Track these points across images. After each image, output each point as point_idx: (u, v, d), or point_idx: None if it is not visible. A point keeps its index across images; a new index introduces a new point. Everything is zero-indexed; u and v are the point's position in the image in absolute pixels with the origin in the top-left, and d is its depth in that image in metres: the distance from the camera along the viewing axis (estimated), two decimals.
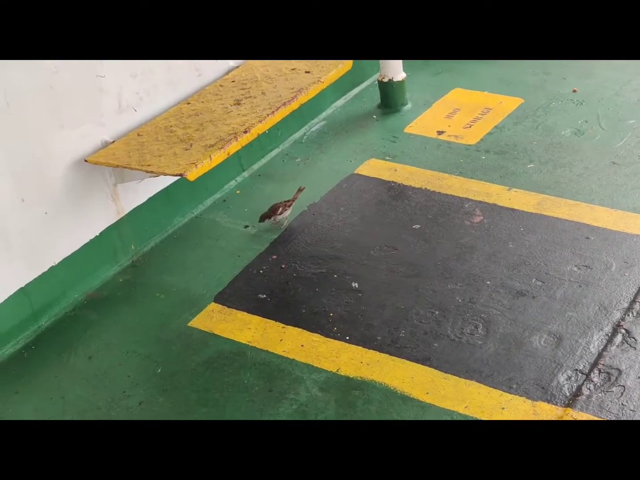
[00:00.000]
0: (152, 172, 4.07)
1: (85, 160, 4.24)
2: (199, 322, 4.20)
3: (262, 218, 4.73)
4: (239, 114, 4.44)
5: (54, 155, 4.18)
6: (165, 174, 4.05)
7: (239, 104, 4.56)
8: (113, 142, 4.36)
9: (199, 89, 4.84)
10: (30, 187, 4.10)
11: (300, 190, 4.88)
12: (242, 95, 4.64)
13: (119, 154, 4.23)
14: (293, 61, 4.95)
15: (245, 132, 4.28)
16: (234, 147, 4.21)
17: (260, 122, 4.36)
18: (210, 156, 4.10)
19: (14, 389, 3.93)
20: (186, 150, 4.17)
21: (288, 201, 4.78)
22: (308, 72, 4.80)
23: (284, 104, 4.50)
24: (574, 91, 5.82)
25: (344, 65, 4.88)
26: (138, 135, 4.39)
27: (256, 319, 4.19)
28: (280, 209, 4.71)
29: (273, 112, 4.43)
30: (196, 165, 4.04)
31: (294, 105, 4.56)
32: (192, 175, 4.01)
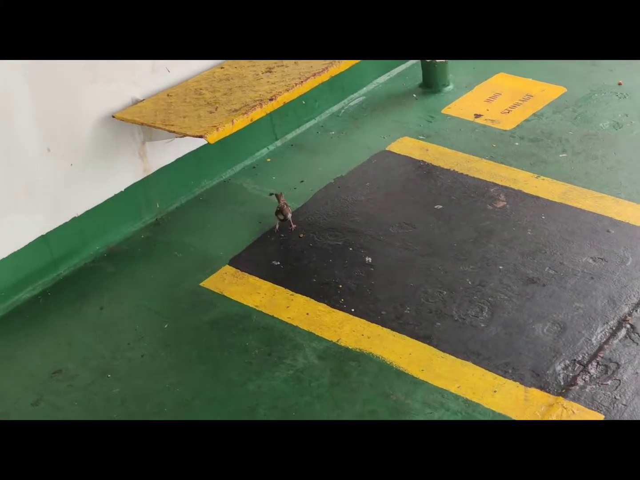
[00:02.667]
0: (174, 131, 4.14)
1: (113, 116, 4.33)
2: (211, 283, 4.28)
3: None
4: (268, 82, 4.49)
5: (83, 108, 4.28)
6: (186, 135, 4.12)
7: (270, 72, 4.60)
8: (143, 100, 4.45)
9: None
10: (58, 138, 4.21)
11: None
12: (275, 63, 4.68)
13: (145, 113, 4.31)
14: None
15: (271, 99, 4.33)
16: (257, 113, 4.26)
17: (288, 90, 4.40)
18: (232, 120, 4.16)
19: (25, 332, 4.06)
20: (210, 113, 4.23)
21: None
22: None
23: (314, 74, 4.53)
24: (619, 84, 5.73)
25: None
26: (168, 95, 4.47)
27: (267, 284, 4.25)
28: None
29: (302, 82, 4.47)
30: (217, 128, 4.10)
31: (324, 76, 4.59)
32: (212, 137, 4.07)
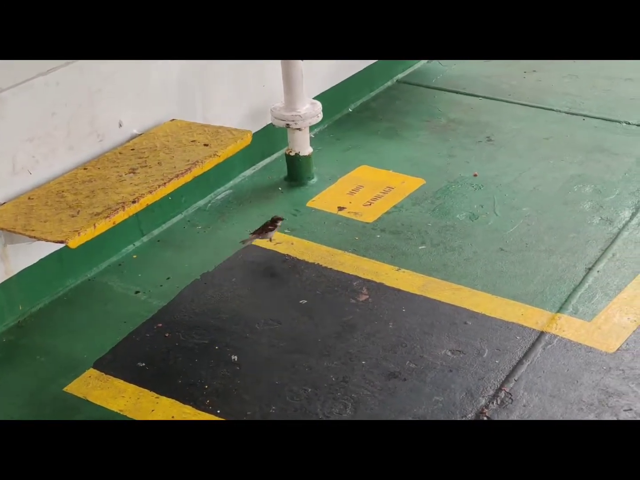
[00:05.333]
0: (34, 237, 4.12)
1: None
2: (75, 387, 4.23)
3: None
4: (131, 183, 4.53)
5: None
6: (47, 240, 4.11)
7: (133, 173, 4.64)
8: (4, 204, 4.42)
9: (99, 155, 4.92)
10: None
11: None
12: (139, 164, 4.73)
13: (6, 217, 4.28)
14: (194, 133, 5.06)
15: (134, 202, 4.36)
16: (120, 216, 4.29)
17: (151, 192, 4.45)
18: (94, 225, 4.18)
19: None
20: (72, 217, 4.24)
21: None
22: (206, 145, 4.90)
23: (177, 176, 4.60)
24: (475, 175, 6.00)
25: (243, 140, 5.00)
26: (29, 199, 4.45)
27: (132, 387, 4.23)
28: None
29: (165, 183, 4.53)
30: (79, 233, 4.11)
31: (188, 177, 4.66)
32: (73, 242, 4.07)
